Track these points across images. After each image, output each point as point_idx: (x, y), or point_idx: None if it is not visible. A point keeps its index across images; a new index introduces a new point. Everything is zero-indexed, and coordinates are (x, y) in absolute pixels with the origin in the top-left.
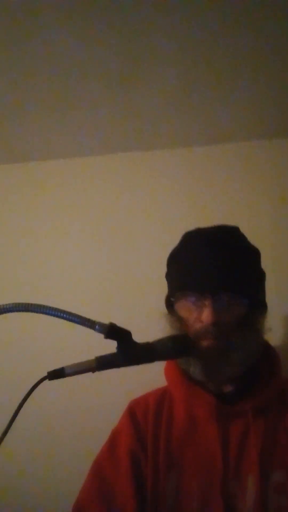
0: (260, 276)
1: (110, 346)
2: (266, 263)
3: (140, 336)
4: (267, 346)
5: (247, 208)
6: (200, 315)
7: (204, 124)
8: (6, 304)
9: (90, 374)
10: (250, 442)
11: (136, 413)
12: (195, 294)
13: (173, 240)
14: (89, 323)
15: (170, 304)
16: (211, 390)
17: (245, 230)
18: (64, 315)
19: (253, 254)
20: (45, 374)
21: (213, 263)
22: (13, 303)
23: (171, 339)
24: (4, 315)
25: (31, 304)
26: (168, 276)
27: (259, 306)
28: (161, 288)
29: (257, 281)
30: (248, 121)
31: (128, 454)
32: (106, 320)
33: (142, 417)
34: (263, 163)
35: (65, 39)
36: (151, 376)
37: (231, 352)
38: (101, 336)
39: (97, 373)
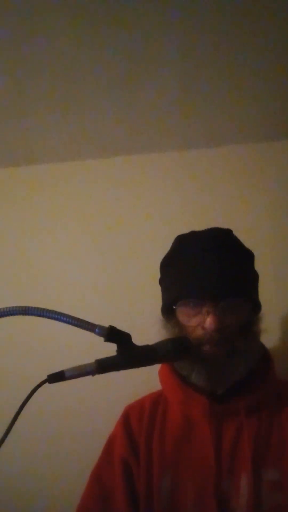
0: (256, 278)
1: (110, 349)
2: (265, 264)
3: (140, 339)
4: (262, 346)
5: (247, 210)
6: (202, 321)
7: (204, 126)
8: (6, 307)
9: (90, 377)
10: (243, 441)
11: (130, 419)
12: (198, 304)
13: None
14: (89, 326)
15: (169, 311)
16: (204, 389)
17: (244, 231)
18: (64, 318)
19: (249, 256)
20: (45, 377)
21: (213, 269)
22: (13, 307)
23: (171, 341)
24: (4, 318)
25: (31, 308)
26: (164, 282)
27: (257, 308)
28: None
29: (254, 283)
30: (248, 123)
31: (120, 462)
32: (106, 323)
33: (136, 421)
34: (263, 165)
35: (66, 41)
36: (151, 379)
37: (234, 357)
38: (101, 339)
39: (97, 376)
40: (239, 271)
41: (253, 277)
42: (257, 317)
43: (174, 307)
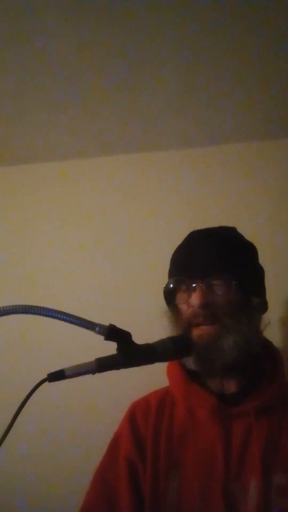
0: (256, 270)
1: (110, 348)
2: (265, 264)
3: (140, 337)
4: (269, 345)
5: (247, 209)
6: (189, 299)
7: (204, 125)
8: (6, 306)
9: (90, 375)
10: (252, 444)
11: (136, 417)
12: (187, 282)
13: (173, 241)
14: (89, 325)
15: (167, 298)
16: (213, 390)
17: (244, 230)
18: (64, 317)
19: (248, 247)
20: (45, 376)
21: (206, 251)
22: (13, 305)
23: (171, 339)
24: (4, 317)
25: (31, 306)
26: (169, 272)
27: (256, 296)
28: (162, 289)
29: (253, 273)
30: (248, 122)
31: (125, 463)
32: (106, 322)
33: (142, 419)
34: (263, 164)
35: (66, 40)
36: (151, 378)
37: (224, 336)
38: (101, 337)
39: (97, 374)
40: (231, 253)
41: (252, 267)
42: (255, 304)
43: (164, 286)
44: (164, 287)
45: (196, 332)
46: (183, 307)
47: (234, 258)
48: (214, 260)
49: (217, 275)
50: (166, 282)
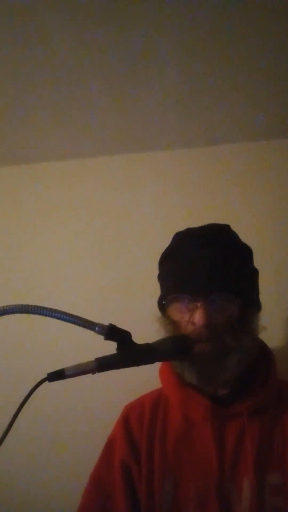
0: (252, 274)
1: (110, 347)
2: (265, 264)
3: (140, 337)
4: (262, 346)
5: (247, 209)
6: (192, 317)
7: (204, 125)
8: (6, 306)
9: (90, 375)
10: (245, 444)
11: (130, 420)
12: (188, 296)
13: None
14: (89, 325)
15: (163, 307)
16: (205, 392)
17: (244, 230)
18: (64, 317)
19: (245, 252)
20: (45, 375)
21: (205, 264)
22: (13, 305)
23: (171, 339)
24: (4, 316)
25: (31, 306)
26: (160, 277)
27: (253, 305)
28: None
29: (250, 280)
30: (248, 122)
31: (120, 466)
32: (105, 321)
33: (136, 422)
34: (263, 164)
35: (66, 40)
36: (151, 377)
37: (226, 355)
38: (101, 337)
39: (97, 374)
40: (232, 268)
41: (249, 273)
42: (253, 314)
43: (163, 302)
44: (163, 301)
45: (198, 348)
46: (182, 320)
47: (235, 271)
48: (216, 275)
49: (222, 293)
50: (160, 289)
